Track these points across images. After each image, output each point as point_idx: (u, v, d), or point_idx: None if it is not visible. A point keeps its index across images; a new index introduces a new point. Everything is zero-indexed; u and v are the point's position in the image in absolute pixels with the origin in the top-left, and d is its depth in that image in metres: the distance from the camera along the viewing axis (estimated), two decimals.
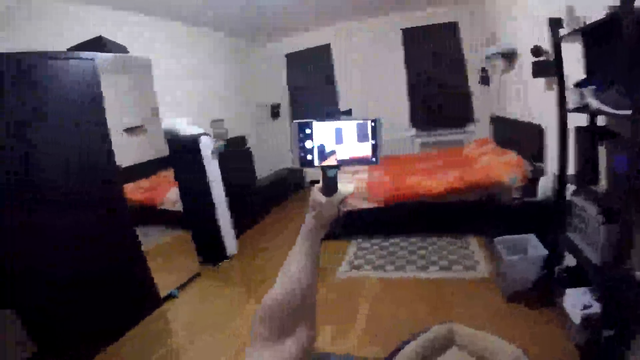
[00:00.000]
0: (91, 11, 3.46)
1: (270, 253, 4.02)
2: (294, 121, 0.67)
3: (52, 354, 2.40)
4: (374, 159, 0.68)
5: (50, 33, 3.03)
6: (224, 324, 2.76)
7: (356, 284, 3.12)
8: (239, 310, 2.94)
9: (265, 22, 5.41)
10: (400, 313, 2.57)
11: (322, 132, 0.68)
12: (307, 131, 0.67)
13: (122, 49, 3.13)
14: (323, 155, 0.68)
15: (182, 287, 3.37)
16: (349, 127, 0.68)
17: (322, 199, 0.66)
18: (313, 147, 0.67)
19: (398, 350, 1.85)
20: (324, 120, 0.67)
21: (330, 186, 0.68)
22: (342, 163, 0.68)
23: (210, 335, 2.64)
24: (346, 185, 0.71)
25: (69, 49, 2.79)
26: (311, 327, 0.54)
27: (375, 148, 0.68)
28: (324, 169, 0.69)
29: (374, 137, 0.68)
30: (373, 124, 0.67)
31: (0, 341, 2.42)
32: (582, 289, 1.97)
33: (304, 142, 0.67)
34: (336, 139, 0.68)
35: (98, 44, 2.88)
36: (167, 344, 2.61)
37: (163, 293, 3.14)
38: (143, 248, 2.99)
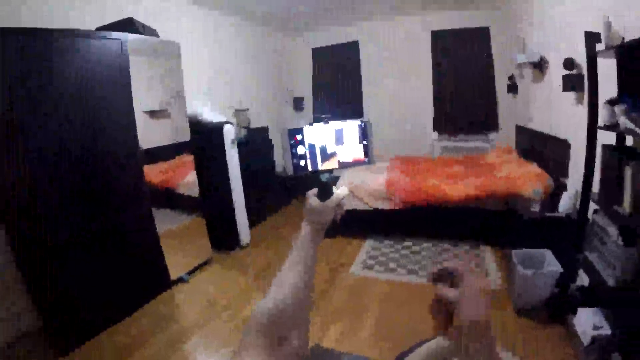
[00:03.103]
0: None
1: (285, 243, 4.05)
2: (284, 127, 0.66)
3: (57, 326, 2.42)
4: (367, 160, 0.68)
5: (81, 12, 3.01)
6: (233, 309, 2.83)
7: (367, 284, 3.14)
8: (247, 299, 2.99)
9: (294, 14, 5.45)
10: (407, 317, 2.57)
11: (320, 135, 0.66)
12: (299, 137, 0.66)
13: (152, 32, 3.12)
14: (325, 156, 0.67)
15: (192, 272, 3.42)
16: (349, 128, 0.67)
17: (318, 204, 0.65)
18: (305, 153, 0.66)
19: (401, 358, 1.84)
20: (312, 125, 0.66)
21: (324, 191, 0.66)
22: (343, 165, 0.68)
23: (217, 321, 2.70)
24: (341, 188, 0.69)
25: (99, 29, 2.78)
26: (305, 334, 0.54)
27: (367, 149, 0.67)
28: (317, 174, 0.67)
29: (364, 138, 0.67)
30: (363, 125, 0.67)
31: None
32: (593, 310, 1.94)
33: (295, 148, 0.66)
34: (336, 140, 0.67)
35: (129, 25, 2.88)
36: (172, 326, 2.66)
37: (173, 276, 3.19)
38: (158, 230, 3.03)
